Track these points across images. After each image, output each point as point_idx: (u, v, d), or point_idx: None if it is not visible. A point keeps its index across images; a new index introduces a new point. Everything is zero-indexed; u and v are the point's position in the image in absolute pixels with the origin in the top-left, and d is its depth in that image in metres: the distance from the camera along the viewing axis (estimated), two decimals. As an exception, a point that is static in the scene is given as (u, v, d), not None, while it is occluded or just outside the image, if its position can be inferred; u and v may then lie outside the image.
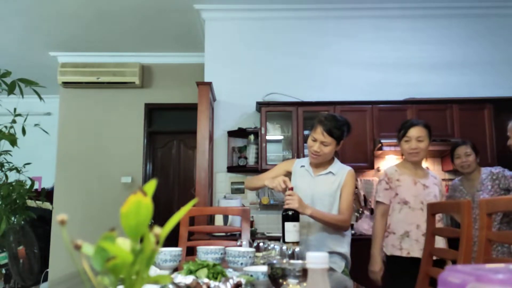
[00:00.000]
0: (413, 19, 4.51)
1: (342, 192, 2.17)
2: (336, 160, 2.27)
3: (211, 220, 3.99)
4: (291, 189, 2.02)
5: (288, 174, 2.29)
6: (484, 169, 3.10)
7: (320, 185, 2.19)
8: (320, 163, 2.22)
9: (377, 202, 2.50)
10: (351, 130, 2.23)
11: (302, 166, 2.28)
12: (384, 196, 2.46)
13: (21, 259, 4.01)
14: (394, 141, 3.92)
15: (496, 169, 3.06)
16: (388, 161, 4.24)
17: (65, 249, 4.69)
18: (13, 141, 3.33)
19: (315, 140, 2.14)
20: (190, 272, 1.24)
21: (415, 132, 2.44)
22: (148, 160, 5.50)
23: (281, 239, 1.96)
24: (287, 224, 1.92)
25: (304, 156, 3.87)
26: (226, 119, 4.36)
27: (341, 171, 2.21)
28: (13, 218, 3.58)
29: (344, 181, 2.18)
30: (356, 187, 3.97)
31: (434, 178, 2.49)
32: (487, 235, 1.54)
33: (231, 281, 1.04)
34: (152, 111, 5.61)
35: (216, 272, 1.25)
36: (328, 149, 2.14)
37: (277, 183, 2.04)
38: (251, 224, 3.94)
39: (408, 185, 2.44)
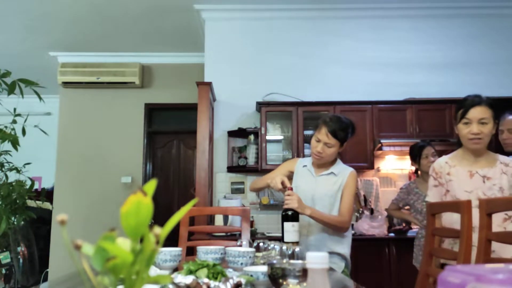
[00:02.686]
0: (413, 19, 4.51)
1: (343, 194, 2.17)
2: (338, 160, 2.27)
3: (211, 220, 3.99)
4: (291, 189, 2.02)
5: (291, 174, 2.29)
6: None
7: (321, 185, 2.19)
8: (323, 164, 2.22)
9: (426, 202, 2.15)
10: (355, 131, 2.22)
11: (305, 166, 2.28)
12: (433, 195, 2.09)
13: (21, 259, 4.01)
14: (394, 141, 3.96)
15: None
16: (388, 161, 4.24)
17: (65, 249, 4.69)
18: (15, 141, 3.33)
19: (318, 141, 2.13)
20: (190, 272, 1.24)
21: (477, 112, 1.96)
22: (148, 160, 5.50)
23: (281, 239, 1.96)
24: (286, 224, 1.92)
25: (304, 156, 3.88)
26: (226, 119, 4.36)
27: (343, 172, 2.20)
28: (13, 218, 3.58)
29: (346, 182, 2.17)
30: (357, 187, 3.97)
31: (504, 166, 1.99)
32: (487, 235, 1.54)
33: (231, 281, 1.04)
34: (152, 111, 5.61)
35: (216, 272, 1.25)
36: (331, 151, 2.13)
37: (275, 183, 2.05)
38: (251, 224, 3.94)
39: (462, 178, 2.01)
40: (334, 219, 2.10)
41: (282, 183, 2.05)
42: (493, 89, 4.29)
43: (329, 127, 2.10)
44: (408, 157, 4.22)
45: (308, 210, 2.02)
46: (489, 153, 2.05)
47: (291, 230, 1.92)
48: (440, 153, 4.10)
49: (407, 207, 3.48)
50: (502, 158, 2.03)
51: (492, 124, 1.98)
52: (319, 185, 2.20)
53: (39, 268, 4.39)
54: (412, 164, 3.42)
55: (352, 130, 2.17)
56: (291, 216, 1.94)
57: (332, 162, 2.23)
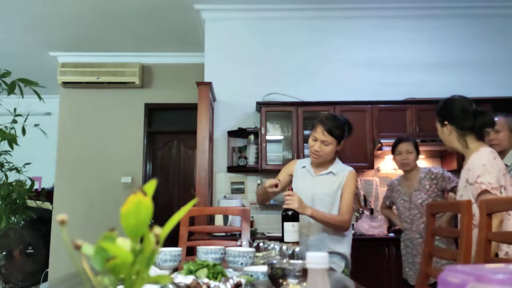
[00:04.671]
0: (413, 19, 4.51)
1: (343, 193, 2.17)
2: (337, 160, 2.27)
3: (211, 220, 3.99)
4: (291, 189, 2.02)
5: (292, 178, 2.31)
6: (423, 169, 3.01)
7: (321, 185, 2.20)
8: (321, 163, 2.23)
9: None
10: (352, 130, 2.23)
11: (303, 166, 2.29)
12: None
13: (17, 259, 4.00)
14: (394, 141, 3.95)
15: (436, 169, 2.95)
16: (388, 161, 4.24)
17: (65, 249, 4.69)
18: (13, 140, 3.33)
19: (315, 140, 2.15)
20: (190, 272, 1.24)
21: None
22: (148, 160, 5.50)
23: (281, 239, 1.96)
24: (286, 224, 1.93)
25: (304, 156, 3.87)
26: (226, 119, 4.35)
27: (342, 171, 2.21)
28: (13, 218, 3.58)
29: (345, 182, 2.18)
30: (356, 187, 3.96)
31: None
32: (487, 235, 1.54)
33: (231, 281, 1.04)
34: (152, 111, 5.61)
35: (216, 272, 1.25)
36: (329, 149, 2.14)
37: (268, 183, 2.07)
38: (251, 224, 3.94)
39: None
40: (335, 219, 2.11)
41: (276, 185, 2.07)
42: (490, 89, 4.29)
43: (325, 125, 2.12)
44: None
45: (309, 210, 2.02)
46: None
47: (291, 230, 1.92)
48: (441, 153, 4.12)
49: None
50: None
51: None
52: (318, 185, 2.20)
53: (35, 268, 4.39)
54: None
55: (348, 128, 2.19)
56: (291, 216, 1.94)
57: (331, 162, 2.24)
